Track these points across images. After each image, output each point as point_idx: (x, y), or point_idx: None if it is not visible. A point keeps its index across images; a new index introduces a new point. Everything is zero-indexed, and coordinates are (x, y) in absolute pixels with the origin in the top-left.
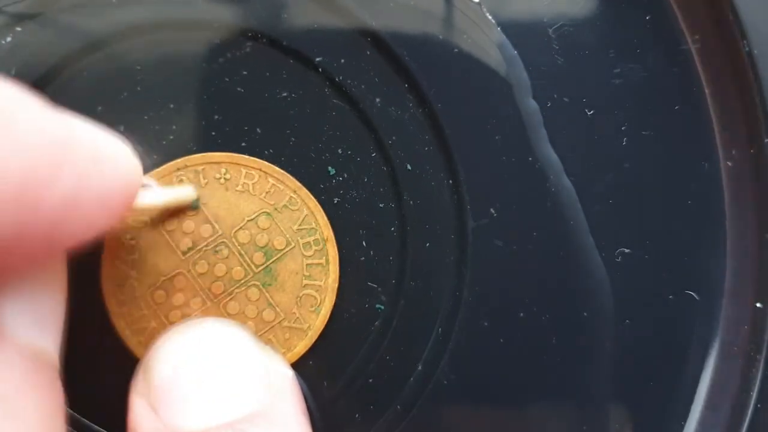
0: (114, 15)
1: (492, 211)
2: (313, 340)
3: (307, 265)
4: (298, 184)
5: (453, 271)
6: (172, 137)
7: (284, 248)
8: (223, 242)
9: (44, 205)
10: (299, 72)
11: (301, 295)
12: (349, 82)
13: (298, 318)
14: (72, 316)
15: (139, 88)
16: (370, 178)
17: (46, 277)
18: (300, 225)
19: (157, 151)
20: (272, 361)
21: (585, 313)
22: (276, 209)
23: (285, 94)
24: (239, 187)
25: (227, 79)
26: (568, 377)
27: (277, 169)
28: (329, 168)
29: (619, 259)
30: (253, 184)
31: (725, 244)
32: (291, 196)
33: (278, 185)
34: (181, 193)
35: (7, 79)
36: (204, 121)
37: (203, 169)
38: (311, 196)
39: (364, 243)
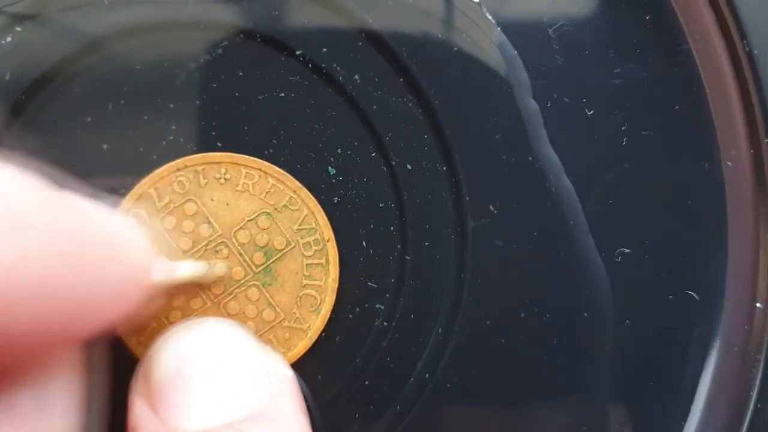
0: (113, 15)
1: (492, 210)
2: (313, 340)
3: (307, 265)
4: (298, 184)
5: (453, 270)
6: (171, 137)
7: (284, 248)
8: (223, 242)
9: (59, 306)
10: (299, 72)
11: (301, 295)
12: (348, 81)
13: (298, 318)
14: None
15: (138, 88)
16: (370, 178)
17: (62, 363)
18: (300, 225)
19: (157, 151)
20: (272, 361)
21: (585, 314)
22: (276, 209)
23: (285, 94)
24: (239, 187)
25: (227, 79)
26: (568, 377)
27: (277, 169)
28: (329, 168)
29: (619, 259)
30: (253, 184)
31: (725, 244)
32: (291, 196)
33: (278, 185)
34: (194, 269)
35: (13, 166)
36: (203, 121)
37: (203, 169)
38: (311, 196)
39: (364, 243)
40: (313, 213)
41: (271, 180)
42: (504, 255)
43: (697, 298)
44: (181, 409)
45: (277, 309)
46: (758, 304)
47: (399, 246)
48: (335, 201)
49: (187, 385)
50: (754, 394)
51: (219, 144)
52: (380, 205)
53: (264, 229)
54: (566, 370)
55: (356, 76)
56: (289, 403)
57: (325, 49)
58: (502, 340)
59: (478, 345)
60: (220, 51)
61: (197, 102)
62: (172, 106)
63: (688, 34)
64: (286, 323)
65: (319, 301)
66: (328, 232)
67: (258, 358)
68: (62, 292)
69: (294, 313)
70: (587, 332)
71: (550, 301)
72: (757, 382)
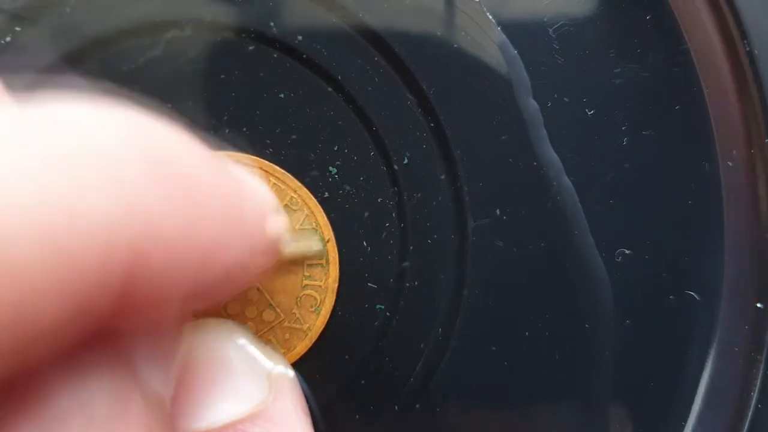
0: (112, 15)
1: (492, 210)
2: (313, 340)
3: (307, 265)
4: (299, 183)
5: (453, 271)
6: None
7: None
8: None
9: (215, 270)
10: (299, 71)
11: (301, 295)
12: (349, 81)
13: (298, 318)
14: None
15: (137, 89)
16: (369, 178)
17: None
18: (300, 225)
19: None
20: (273, 362)
21: (585, 313)
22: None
23: (285, 94)
24: None
25: (227, 79)
26: (568, 377)
27: (278, 168)
28: (330, 168)
29: (619, 259)
30: None
31: (725, 244)
32: (291, 196)
33: (279, 185)
34: (310, 244)
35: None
36: (204, 121)
37: None
38: (311, 196)
39: (364, 243)
40: (313, 213)
41: (271, 180)
42: (504, 255)
43: (697, 298)
44: (181, 410)
45: (277, 309)
46: (758, 304)
47: (399, 246)
48: (335, 201)
49: (187, 387)
50: (754, 394)
51: (219, 144)
52: (380, 204)
53: None
54: (566, 370)
55: (356, 76)
56: (289, 403)
57: (325, 49)
58: (502, 340)
59: (478, 345)
60: (220, 51)
61: (197, 102)
62: (171, 106)
63: (688, 34)
64: (286, 324)
65: (319, 302)
66: (328, 232)
67: (258, 359)
68: (218, 259)
69: (294, 313)
70: (587, 332)
71: (550, 300)
72: (757, 382)
